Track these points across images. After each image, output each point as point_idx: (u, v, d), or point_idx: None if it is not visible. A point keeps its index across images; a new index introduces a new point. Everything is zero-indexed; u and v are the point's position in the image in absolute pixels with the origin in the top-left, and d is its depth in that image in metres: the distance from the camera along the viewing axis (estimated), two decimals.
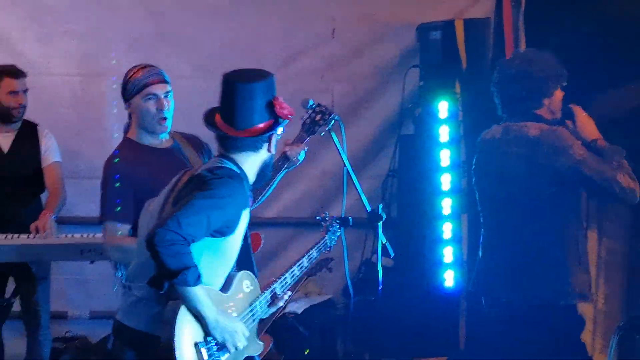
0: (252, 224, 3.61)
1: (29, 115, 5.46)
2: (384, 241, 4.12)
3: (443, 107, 6.00)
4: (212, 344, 3.39)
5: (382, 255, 4.09)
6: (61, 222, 5.35)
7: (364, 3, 6.35)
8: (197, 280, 3.25)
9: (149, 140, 4.10)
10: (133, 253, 3.62)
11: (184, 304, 3.31)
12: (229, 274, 3.51)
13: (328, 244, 4.05)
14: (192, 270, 3.22)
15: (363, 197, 4.10)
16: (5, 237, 5.04)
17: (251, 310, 3.56)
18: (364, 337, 5.85)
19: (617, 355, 4.95)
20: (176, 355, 3.29)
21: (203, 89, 5.89)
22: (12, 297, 5.44)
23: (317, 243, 4.00)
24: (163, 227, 3.19)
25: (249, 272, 3.61)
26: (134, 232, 3.85)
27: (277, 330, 4.82)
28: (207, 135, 3.74)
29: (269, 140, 3.51)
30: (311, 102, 4.19)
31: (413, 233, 6.16)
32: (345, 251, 4.13)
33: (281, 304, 3.68)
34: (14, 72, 5.36)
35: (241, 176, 3.45)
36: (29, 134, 5.46)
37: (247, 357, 3.56)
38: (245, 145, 3.47)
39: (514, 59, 4.50)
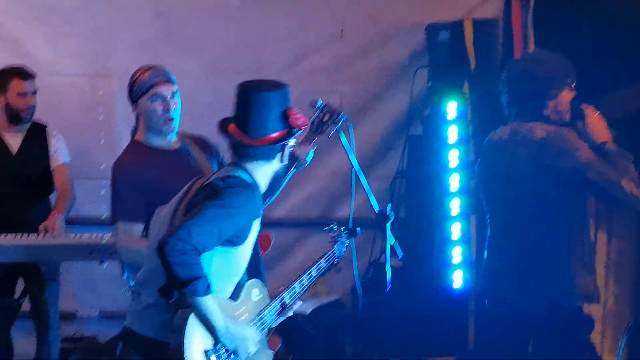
0: (260, 225, 3.60)
1: (37, 116, 5.46)
2: (393, 242, 4.10)
3: (452, 108, 5.99)
4: (221, 351, 3.38)
5: (390, 255, 4.08)
6: (70, 222, 5.36)
7: (372, 3, 6.33)
8: (207, 290, 3.25)
9: (156, 142, 4.10)
10: (144, 256, 3.61)
11: (194, 313, 3.31)
12: (239, 282, 3.51)
13: (337, 254, 4.03)
14: (202, 280, 3.21)
15: (371, 197, 4.09)
16: (15, 237, 5.05)
17: (260, 319, 3.56)
18: (372, 337, 5.85)
19: (626, 355, 4.94)
20: None
21: (210, 89, 5.95)
22: (21, 297, 5.44)
23: (326, 253, 3.97)
24: (174, 236, 3.19)
25: (258, 280, 3.61)
26: (146, 231, 3.85)
27: (285, 330, 4.81)
28: (215, 137, 3.74)
29: (282, 150, 3.51)
30: (319, 103, 4.18)
31: (421, 233, 6.15)
32: (354, 252, 4.12)
33: (290, 313, 3.67)
34: (23, 74, 5.35)
35: (253, 186, 3.44)
36: (38, 135, 5.46)
37: None
38: (259, 154, 3.47)
39: (521, 59, 4.49)
